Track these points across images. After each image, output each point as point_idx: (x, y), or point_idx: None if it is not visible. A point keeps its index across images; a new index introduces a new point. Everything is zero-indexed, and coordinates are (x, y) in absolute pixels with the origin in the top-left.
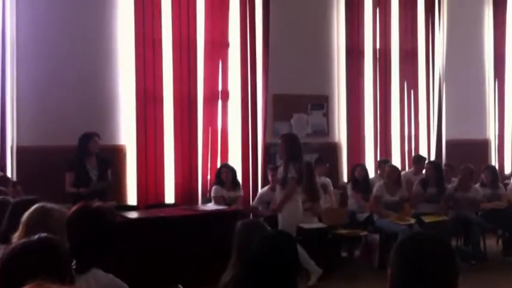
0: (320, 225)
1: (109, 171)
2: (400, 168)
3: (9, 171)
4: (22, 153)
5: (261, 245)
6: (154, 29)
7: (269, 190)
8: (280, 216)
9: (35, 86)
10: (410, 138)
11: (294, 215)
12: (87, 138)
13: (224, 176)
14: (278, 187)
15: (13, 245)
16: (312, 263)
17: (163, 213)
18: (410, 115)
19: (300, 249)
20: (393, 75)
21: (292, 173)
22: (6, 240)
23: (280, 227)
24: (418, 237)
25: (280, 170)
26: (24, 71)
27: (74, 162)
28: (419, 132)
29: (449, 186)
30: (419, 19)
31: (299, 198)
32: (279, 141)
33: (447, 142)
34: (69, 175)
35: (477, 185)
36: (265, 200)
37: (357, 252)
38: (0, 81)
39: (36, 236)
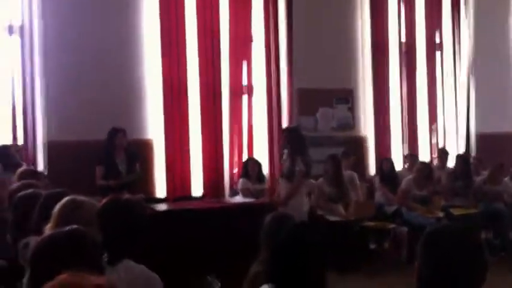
0: (345, 217)
1: (138, 165)
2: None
3: (41, 166)
4: (52, 147)
5: (287, 237)
6: (179, 25)
7: None
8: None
9: (64, 83)
10: (437, 132)
11: (298, 209)
12: (114, 133)
13: (251, 169)
14: (283, 180)
15: (43, 236)
16: None
17: (191, 205)
18: (437, 108)
19: None
20: (419, 69)
21: (300, 166)
22: (38, 232)
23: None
24: (445, 229)
25: (286, 163)
26: (53, 67)
27: (103, 156)
28: (447, 126)
29: (479, 179)
30: (444, 11)
31: (304, 192)
32: (283, 134)
33: (476, 135)
34: (99, 169)
35: (507, 178)
36: None
37: (385, 245)
38: (30, 78)
39: (67, 228)
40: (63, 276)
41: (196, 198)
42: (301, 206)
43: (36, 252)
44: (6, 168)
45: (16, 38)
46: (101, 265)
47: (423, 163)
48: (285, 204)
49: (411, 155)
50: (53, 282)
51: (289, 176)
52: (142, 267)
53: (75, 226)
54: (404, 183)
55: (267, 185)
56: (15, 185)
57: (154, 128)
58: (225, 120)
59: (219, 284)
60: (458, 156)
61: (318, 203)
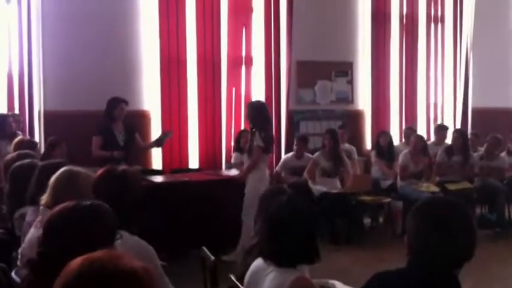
0: (342, 189)
1: (137, 135)
2: (425, 137)
3: (37, 136)
4: (49, 117)
5: (278, 209)
6: None
7: (293, 157)
8: (246, 185)
9: (61, 52)
10: (436, 106)
11: (257, 185)
12: (114, 104)
13: (243, 142)
14: (245, 156)
15: (64, 206)
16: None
17: (187, 177)
18: (437, 82)
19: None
20: (420, 42)
21: (258, 142)
22: (34, 202)
23: (245, 196)
24: (434, 202)
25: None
26: (50, 37)
27: (101, 126)
28: (445, 100)
29: (475, 155)
30: None
31: (264, 167)
32: (246, 109)
33: (473, 110)
34: (96, 138)
35: (503, 154)
36: (289, 166)
37: (380, 219)
38: (27, 47)
39: (89, 202)
40: (98, 253)
41: (192, 170)
42: (261, 182)
43: (54, 220)
44: (1, 137)
45: (14, 6)
46: (114, 241)
47: (417, 136)
48: (243, 179)
49: (408, 129)
50: (86, 258)
51: (249, 151)
52: (136, 238)
53: (97, 202)
54: (401, 158)
55: None
56: (11, 155)
57: (151, 99)
58: (223, 92)
59: (212, 258)
60: (456, 131)
61: (312, 176)
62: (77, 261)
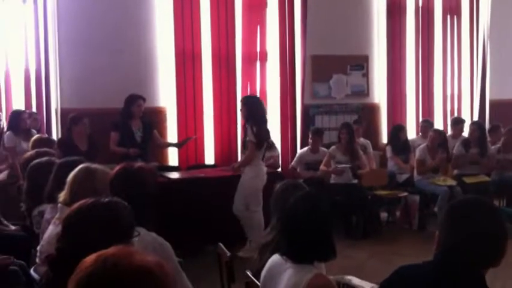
0: (356, 181)
1: (156, 132)
2: (442, 129)
3: (54, 133)
4: (66, 115)
5: (294, 205)
6: None
7: (309, 151)
8: (241, 180)
9: (77, 50)
10: (452, 99)
11: (254, 181)
12: (132, 100)
13: None
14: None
15: (82, 203)
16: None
17: (203, 173)
18: (454, 75)
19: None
20: (436, 34)
21: (250, 137)
22: (52, 199)
23: (239, 191)
24: (471, 202)
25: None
26: (66, 35)
27: (119, 122)
28: (462, 92)
29: (493, 148)
30: None
31: (260, 163)
32: (240, 103)
33: (491, 102)
34: (114, 134)
35: None
36: (305, 161)
37: (397, 213)
38: (43, 46)
39: (107, 199)
40: (111, 250)
41: (208, 167)
42: (256, 177)
43: (72, 217)
44: (16, 134)
45: (30, 5)
46: (132, 237)
47: (437, 131)
48: (237, 173)
49: (425, 121)
50: (100, 255)
51: (243, 146)
52: (153, 234)
53: (115, 198)
54: (418, 153)
55: (277, 152)
56: (29, 153)
57: (166, 95)
58: (238, 87)
59: (229, 253)
60: (474, 123)
61: (324, 168)
62: (91, 258)
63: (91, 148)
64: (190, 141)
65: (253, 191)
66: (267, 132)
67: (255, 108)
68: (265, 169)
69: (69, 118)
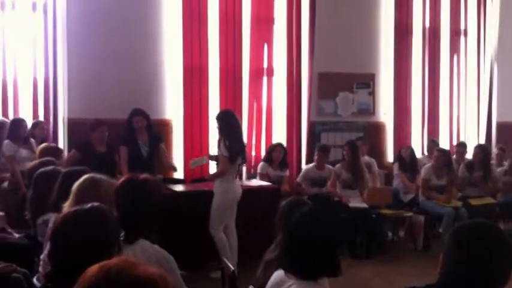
0: (364, 205)
1: (162, 145)
2: (448, 149)
3: (61, 142)
4: (73, 125)
5: (299, 221)
6: (201, 5)
7: (314, 168)
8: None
9: (85, 60)
10: (459, 120)
11: (221, 198)
12: (131, 114)
13: (275, 155)
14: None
15: (65, 212)
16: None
17: (208, 187)
18: (460, 96)
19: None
20: (442, 55)
21: (223, 151)
22: (57, 208)
23: (213, 204)
24: (476, 226)
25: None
26: (75, 45)
27: (126, 136)
28: (468, 114)
29: (499, 170)
30: None
31: (231, 179)
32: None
33: (497, 124)
34: (123, 149)
35: None
36: (310, 177)
37: (401, 233)
38: (52, 55)
39: (89, 205)
40: (114, 261)
41: None
42: (226, 193)
43: (59, 227)
44: (15, 141)
45: (40, 14)
46: (119, 244)
47: (442, 150)
48: (211, 181)
49: (431, 141)
50: (103, 265)
51: (216, 160)
52: (156, 247)
53: (96, 204)
54: (424, 172)
55: (287, 172)
56: (33, 162)
57: (173, 108)
58: (244, 103)
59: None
60: (478, 147)
61: (332, 189)
62: (93, 269)
63: (109, 150)
64: (200, 164)
65: (219, 207)
66: (241, 146)
67: (226, 121)
68: (238, 186)
69: (89, 124)
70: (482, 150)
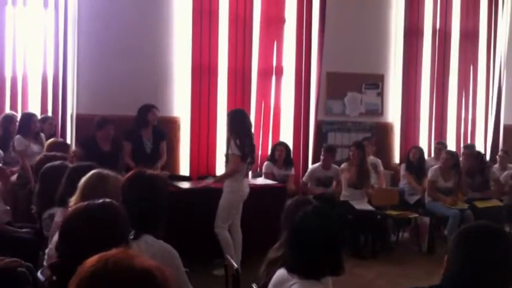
0: (370, 207)
1: (164, 144)
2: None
3: (69, 138)
4: (81, 121)
5: (303, 220)
6: (212, 3)
7: (320, 167)
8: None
9: (95, 57)
10: (467, 122)
11: (230, 197)
12: (147, 109)
13: (278, 154)
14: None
15: (77, 206)
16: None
17: (214, 184)
18: (468, 98)
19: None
20: (452, 57)
21: (233, 150)
22: (64, 203)
23: (220, 203)
24: (482, 228)
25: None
26: (85, 42)
27: (130, 132)
28: (477, 116)
29: (506, 173)
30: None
31: (241, 178)
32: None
33: (505, 127)
34: (127, 145)
35: None
36: (316, 177)
37: (405, 235)
38: (62, 52)
39: (100, 200)
40: (112, 252)
41: None
42: (235, 193)
43: (68, 220)
44: (26, 136)
45: (51, 11)
46: (128, 239)
47: (449, 152)
48: (218, 183)
49: (439, 143)
50: (102, 256)
51: (226, 160)
52: (161, 242)
53: (108, 199)
54: (431, 174)
55: (293, 171)
56: (39, 156)
57: (181, 106)
58: (252, 101)
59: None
60: (470, 154)
61: (339, 189)
62: (92, 260)
63: (114, 149)
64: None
65: (227, 206)
66: (252, 146)
67: (236, 121)
68: (247, 185)
69: (95, 121)
70: (476, 158)
